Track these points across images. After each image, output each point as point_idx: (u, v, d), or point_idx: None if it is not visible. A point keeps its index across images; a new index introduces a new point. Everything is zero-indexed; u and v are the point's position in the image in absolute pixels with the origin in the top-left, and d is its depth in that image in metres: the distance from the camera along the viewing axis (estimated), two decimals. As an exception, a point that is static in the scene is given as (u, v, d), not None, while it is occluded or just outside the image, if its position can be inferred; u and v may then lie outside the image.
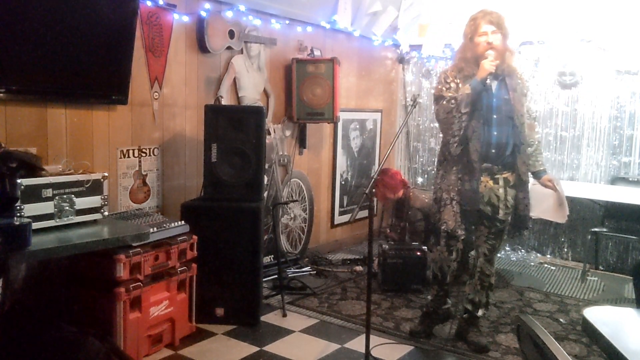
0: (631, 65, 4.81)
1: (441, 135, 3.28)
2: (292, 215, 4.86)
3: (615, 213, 4.73)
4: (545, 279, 4.69)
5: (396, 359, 3.15)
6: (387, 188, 4.57)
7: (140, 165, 3.59)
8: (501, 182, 3.13)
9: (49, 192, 2.54)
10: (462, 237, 3.16)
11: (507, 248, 5.46)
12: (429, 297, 3.48)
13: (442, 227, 3.16)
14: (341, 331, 3.49)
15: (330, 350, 3.23)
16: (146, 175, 3.64)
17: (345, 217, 5.50)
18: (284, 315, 3.69)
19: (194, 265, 3.31)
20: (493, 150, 3.08)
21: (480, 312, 3.31)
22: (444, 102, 3.07)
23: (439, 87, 3.18)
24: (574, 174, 5.17)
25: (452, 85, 3.11)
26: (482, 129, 3.05)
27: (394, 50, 5.96)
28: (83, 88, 3.13)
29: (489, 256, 3.24)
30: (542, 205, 3.59)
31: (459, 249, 3.23)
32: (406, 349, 3.27)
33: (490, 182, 3.12)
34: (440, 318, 3.42)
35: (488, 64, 2.96)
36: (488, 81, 3.00)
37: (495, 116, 3.07)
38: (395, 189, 4.60)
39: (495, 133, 3.07)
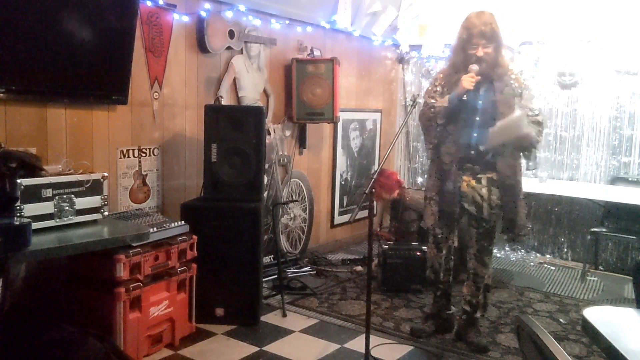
0: (631, 65, 4.82)
1: None
2: (292, 215, 4.86)
3: (615, 213, 4.73)
4: (545, 279, 4.69)
5: (396, 359, 3.15)
6: (382, 188, 4.57)
7: (140, 165, 3.59)
8: (484, 182, 3.13)
9: (48, 192, 2.54)
10: (439, 235, 3.26)
11: (507, 248, 5.47)
12: (432, 300, 3.50)
13: (421, 225, 3.24)
14: (341, 331, 3.49)
15: (330, 350, 3.23)
16: (146, 175, 3.64)
17: (345, 217, 5.50)
18: (284, 315, 3.69)
19: (194, 265, 3.31)
20: (472, 152, 3.11)
21: (478, 314, 3.31)
22: (426, 109, 3.16)
23: (428, 88, 3.26)
24: (574, 174, 5.17)
25: (439, 89, 3.17)
26: (461, 131, 3.09)
27: (394, 50, 5.96)
28: (83, 88, 3.13)
29: (479, 257, 3.24)
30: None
31: (450, 247, 3.28)
32: (406, 349, 3.27)
33: (473, 182, 3.14)
34: (444, 324, 3.42)
35: (467, 82, 2.96)
36: (465, 97, 3.01)
37: (478, 118, 3.08)
38: (391, 189, 4.61)
39: (475, 135, 3.09)
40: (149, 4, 3.49)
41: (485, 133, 3.05)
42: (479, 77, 2.98)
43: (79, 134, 3.23)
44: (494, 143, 3.03)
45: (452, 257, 3.36)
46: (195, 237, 3.31)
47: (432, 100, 3.14)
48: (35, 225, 2.39)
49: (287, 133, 4.75)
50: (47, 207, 2.53)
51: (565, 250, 5.26)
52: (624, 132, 4.92)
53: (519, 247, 5.43)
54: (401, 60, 6.07)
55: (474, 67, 2.98)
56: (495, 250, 5.44)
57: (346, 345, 3.29)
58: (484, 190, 3.13)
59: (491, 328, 3.57)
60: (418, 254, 4.18)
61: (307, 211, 5.03)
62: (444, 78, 3.18)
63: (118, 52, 3.20)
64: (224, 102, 4.06)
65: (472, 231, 3.23)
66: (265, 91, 4.50)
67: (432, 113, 3.12)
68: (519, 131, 2.96)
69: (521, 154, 3.14)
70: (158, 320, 3.08)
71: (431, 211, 3.25)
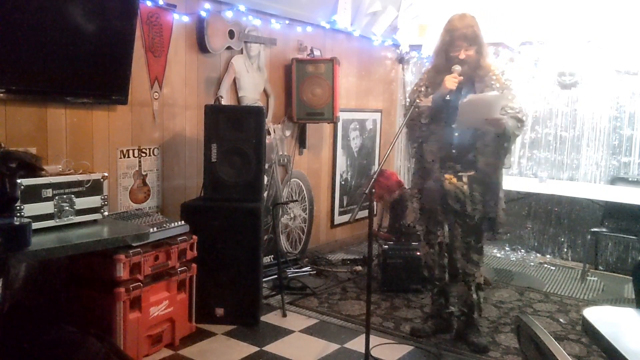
0: (631, 65, 4.82)
1: None
2: (292, 215, 4.86)
3: (615, 213, 4.73)
4: (545, 279, 4.69)
5: (396, 359, 3.15)
6: (383, 189, 4.59)
7: (140, 165, 3.59)
8: (465, 179, 3.17)
9: (49, 192, 2.54)
10: (419, 232, 3.40)
11: (507, 248, 5.47)
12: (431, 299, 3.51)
13: (402, 222, 3.32)
14: (341, 331, 3.49)
15: (330, 350, 3.23)
16: (146, 175, 3.64)
17: (345, 217, 5.50)
18: (284, 315, 3.69)
19: (194, 265, 3.31)
20: (454, 151, 3.17)
21: (475, 314, 3.32)
22: (411, 108, 3.21)
23: (414, 88, 3.35)
24: (574, 174, 5.17)
25: (423, 89, 3.25)
26: (443, 130, 3.15)
27: (394, 50, 5.96)
28: (83, 88, 3.13)
29: (467, 255, 3.26)
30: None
31: (441, 243, 3.32)
32: (406, 349, 3.27)
33: (455, 180, 3.18)
34: (444, 324, 3.44)
35: (450, 82, 3.02)
36: (448, 97, 3.05)
37: (459, 118, 3.11)
38: (391, 190, 4.62)
39: (456, 134, 3.14)
40: (149, 4, 3.49)
41: (466, 132, 3.11)
42: (462, 78, 3.04)
43: (79, 134, 3.23)
44: (464, 120, 3.02)
45: (446, 254, 3.38)
46: (195, 237, 3.31)
47: (417, 100, 3.22)
48: (35, 225, 2.39)
49: (287, 133, 4.75)
50: (47, 207, 2.53)
51: (565, 250, 5.25)
52: (624, 132, 4.92)
53: (519, 247, 5.44)
54: (401, 60, 6.07)
55: (457, 67, 3.04)
56: (495, 250, 5.46)
57: (346, 345, 3.29)
58: (466, 188, 3.18)
59: (491, 328, 3.57)
60: (418, 254, 4.16)
61: (307, 211, 5.03)
62: (428, 79, 3.27)
63: (118, 52, 3.20)
64: (224, 102, 4.06)
65: (457, 229, 3.27)
66: (265, 91, 4.50)
67: (416, 112, 3.19)
68: (491, 112, 2.95)
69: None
70: (158, 320, 3.08)
71: (412, 208, 3.37)
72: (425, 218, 3.33)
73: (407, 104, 3.11)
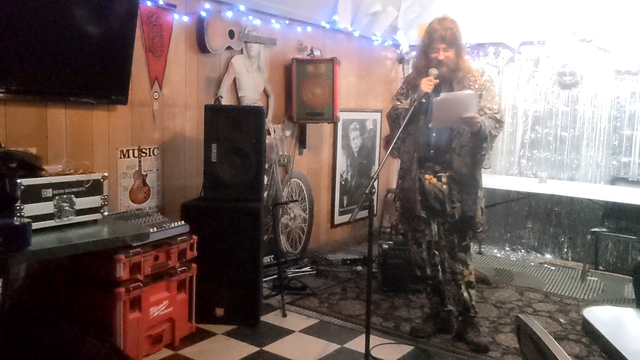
0: (631, 65, 4.82)
1: None
2: (292, 215, 4.86)
3: (615, 213, 4.73)
4: (545, 279, 4.69)
5: (396, 359, 3.15)
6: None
7: (140, 165, 3.59)
8: (444, 179, 3.20)
9: (49, 192, 2.54)
10: (402, 232, 3.45)
11: (507, 248, 5.47)
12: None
13: (389, 222, 3.41)
14: (341, 331, 3.50)
15: (330, 350, 3.23)
16: (146, 175, 3.64)
17: (345, 217, 5.50)
18: (284, 315, 3.69)
19: (194, 265, 3.31)
20: (431, 151, 3.21)
21: (472, 312, 3.32)
22: (391, 110, 3.29)
23: (397, 90, 3.40)
24: (574, 174, 5.17)
25: (404, 91, 3.31)
26: (420, 131, 3.19)
27: (394, 50, 5.96)
28: (83, 88, 3.13)
29: (452, 253, 3.28)
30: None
31: (430, 242, 3.35)
32: (406, 349, 3.27)
33: (434, 180, 3.21)
34: (444, 324, 3.45)
35: (425, 85, 3.04)
36: (424, 100, 3.07)
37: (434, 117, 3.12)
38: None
39: (434, 135, 3.19)
40: (149, 4, 3.49)
41: (443, 133, 3.15)
42: (437, 81, 3.07)
43: (79, 134, 3.23)
44: (439, 119, 3.01)
45: (436, 253, 3.39)
46: (195, 237, 3.31)
47: (398, 102, 3.27)
48: (35, 225, 2.39)
49: (287, 133, 4.75)
50: (47, 207, 2.53)
51: (565, 250, 5.25)
52: (624, 132, 4.92)
53: (519, 247, 5.44)
54: (401, 60, 6.06)
55: (434, 70, 3.08)
56: (495, 250, 5.47)
57: (346, 345, 3.29)
58: (445, 187, 3.20)
59: (491, 328, 3.57)
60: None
61: (307, 211, 5.03)
62: (409, 81, 3.32)
63: (118, 52, 3.20)
64: (224, 102, 4.07)
65: (440, 228, 3.30)
66: (265, 91, 4.50)
67: (396, 114, 3.24)
68: (465, 110, 2.94)
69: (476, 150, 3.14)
70: (158, 320, 3.08)
71: (395, 208, 3.44)
72: (406, 217, 3.36)
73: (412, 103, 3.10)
